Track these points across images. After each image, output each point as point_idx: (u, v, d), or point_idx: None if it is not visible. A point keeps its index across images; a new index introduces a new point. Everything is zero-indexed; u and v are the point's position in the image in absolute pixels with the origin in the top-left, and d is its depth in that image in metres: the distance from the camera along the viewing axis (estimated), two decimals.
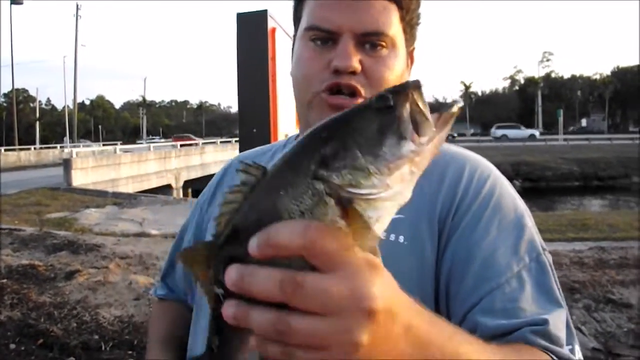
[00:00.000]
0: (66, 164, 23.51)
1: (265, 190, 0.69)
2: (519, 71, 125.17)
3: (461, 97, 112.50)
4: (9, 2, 64.27)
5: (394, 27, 1.26)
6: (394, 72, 1.27)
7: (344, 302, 0.62)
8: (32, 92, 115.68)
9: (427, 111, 0.69)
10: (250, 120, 4.67)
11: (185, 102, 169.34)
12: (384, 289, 0.64)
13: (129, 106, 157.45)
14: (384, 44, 1.25)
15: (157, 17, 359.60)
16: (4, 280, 7.54)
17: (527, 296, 1.07)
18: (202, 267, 0.72)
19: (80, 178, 23.41)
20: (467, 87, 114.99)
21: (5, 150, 48.05)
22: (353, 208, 0.66)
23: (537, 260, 1.14)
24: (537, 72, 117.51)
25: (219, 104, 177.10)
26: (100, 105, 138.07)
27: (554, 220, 12.46)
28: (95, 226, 12.76)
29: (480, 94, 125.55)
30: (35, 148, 58.01)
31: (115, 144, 49.68)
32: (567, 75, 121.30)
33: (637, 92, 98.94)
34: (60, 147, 57.41)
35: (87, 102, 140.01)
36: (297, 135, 1.46)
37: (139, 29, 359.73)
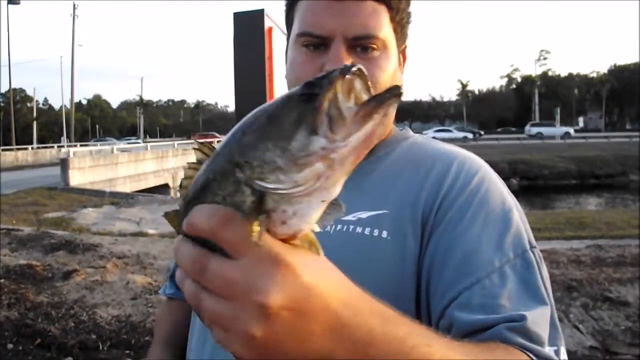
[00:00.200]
0: (63, 164, 23.47)
1: (203, 170, 0.71)
2: (516, 69, 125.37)
3: (458, 95, 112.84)
4: (6, 2, 64.27)
5: (385, 29, 1.27)
6: (387, 73, 1.28)
7: (238, 291, 0.64)
8: (30, 92, 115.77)
9: (350, 104, 0.63)
10: None
11: (183, 102, 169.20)
12: (287, 286, 0.63)
13: (126, 105, 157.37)
14: (375, 46, 1.26)
15: (154, 16, 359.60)
16: (2, 280, 7.53)
17: (508, 292, 1.04)
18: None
19: (77, 178, 23.38)
20: (464, 86, 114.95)
21: (3, 150, 47.96)
22: (265, 200, 0.64)
23: (523, 257, 1.11)
24: (534, 71, 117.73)
25: (216, 103, 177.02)
26: (97, 104, 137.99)
27: (551, 219, 12.49)
28: (93, 226, 12.75)
29: (477, 92, 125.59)
30: (32, 148, 58.01)
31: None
32: (564, 74, 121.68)
33: (634, 90, 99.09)
34: (67, 146, 57.11)
35: (84, 102, 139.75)
36: None
37: (136, 29, 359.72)
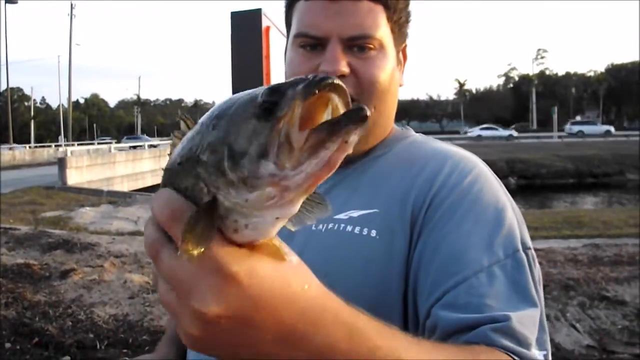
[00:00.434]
0: (61, 163, 23.45)
1: (178, 152, 0.70)
2: (513, 69, 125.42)
3: (456, 94, 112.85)
4: (3, 1, 64.17)
5: (381, 29, 1.27)
6: (385, 72, 1.29)
7: (180, 290, 0.64)
8: (27, 91, 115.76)
9: (301, 133, 0.57)
10: None
11: (180, 101, 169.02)
12: (227, 297, 0.62)
13: (123, 105, 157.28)
14: (371, 46, 1.27)
15: (151, 16, 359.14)
16: None
17: (496, 293, 1.01)
18: None
19: (75, 177, 23.36)
20: (461, 85, 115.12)
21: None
22: (218, 205, 0.62)
23: (514, 257, 1.08)
24: (532, 70, 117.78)
25: (214, 102, 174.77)
26: (94, 103, 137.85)
27: (549, 218, 12.49)
28: (90, 225, 12.73)
29: (474, 91, 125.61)
30: (30, 147, 57.95)
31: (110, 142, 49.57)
32: (561, 73, 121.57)
33: (631, 89, 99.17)
34: (64, 145, 56.93)
35: (82, 101, 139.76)
36: None
37: (134, 28, 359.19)
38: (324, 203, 0.72)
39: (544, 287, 1.15)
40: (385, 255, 1.16)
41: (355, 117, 0.57)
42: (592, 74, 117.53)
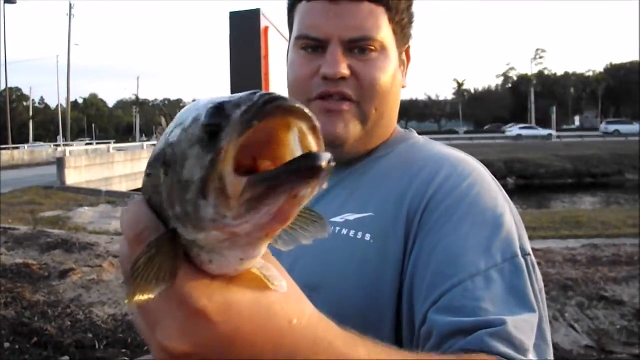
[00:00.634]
0: (59, 163, 23.40)
1: (150, 156, 0.63)
2: (512, 68, 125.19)
3: (454, 94, 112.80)
4: (3, 1, 64.12)
5: (383, 30, 1.26)
6: (386, 74, 1.28)
7: (147, 320, 0.61)
8: (26, 91, 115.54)
9: (231, 177, 0.50)
10: None
11: (179, 101, 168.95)
12: (194, 335, 0.58)
13: (122, 105, 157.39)
14: (372, 47, 1.26)
15: (150, 16, 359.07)
16: None
17: (493, 297, 0.99)
18: None
19: (73, 177, 23.31)
20: (460, 85, 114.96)
21: None
22: (179, 234, 0.56)
23: (512, 262, 1.05)
24: (530, 70, 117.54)
25: None
26: (93, 103, 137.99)
27: (547, 218, 12.49)
28: (89, 225, 12.72)
29: (473, 91, 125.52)
30: (28, 146, 57.90)
31: (109, 143, 49.57)
32: (560, 73, 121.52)
33: (630, 89, 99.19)
34: (63, 144, 56.80)
35: (81, 101, 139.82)
36: None
37: (132, 28, 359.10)
38: (321, 222, 0.67)
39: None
40: (378, 259, 1.15)
41: (302, 172, 0.48)
42: (591, 73, 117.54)
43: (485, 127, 79.43)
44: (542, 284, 1.09)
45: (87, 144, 63.02)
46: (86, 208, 15.48)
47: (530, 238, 1.17)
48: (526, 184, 34.35)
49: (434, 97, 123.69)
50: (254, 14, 4.67)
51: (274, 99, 0.50)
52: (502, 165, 34.22)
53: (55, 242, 9.95)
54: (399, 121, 1.44)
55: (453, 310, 0.98)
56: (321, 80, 1.25)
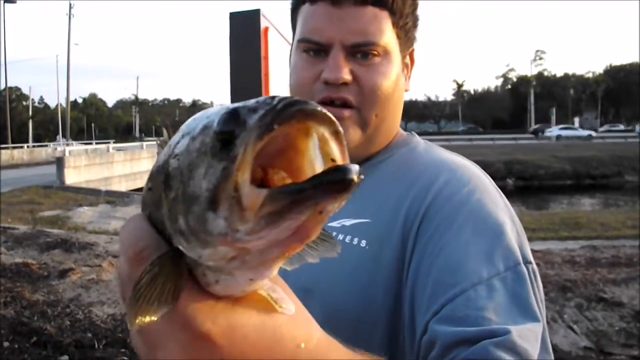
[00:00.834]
0: (59, 162, 23.44)
1: (151, 170, 0.60)
2: (512, 70, 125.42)
3: (454, 95, 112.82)
4: (2, 1, 64.05)
5: (386, 35, 1.25)
6: (388, 79, 1.26)
7: (148, 341, 0.59)
8: (25, 91, 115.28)
9: (247, 188, 0.46)
10: None
11: (178, 101, 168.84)
12: (184, 356, 0.56)
13: (121, 104, 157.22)
14: (375, 52, 1.24)
15: (150, 16, 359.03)
16: None
17: (496, 306, 0.96)
18: None
19: (73, 176, 23.34)
20: (459, 86, 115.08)
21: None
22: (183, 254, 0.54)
23: (515, 270, 1.03)
24: (530, 71, 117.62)
25: (212, 103, 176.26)
26: (92, 103, 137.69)
27: (546, 219, 12.52)
28: (89, 224, 12.73)
29: (472, 92, 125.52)
30: (28, 146, 57.90)
31: (108, 142, 49.56)
32: (559, 74, 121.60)
33: (630, 90, 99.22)
34: (62, 144, 56.66)
35: (80, 101, 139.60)
36: None
37: (132, 28, 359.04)
38: (331, 241, 0.65)
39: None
40: (372, 265, 1.15)
41: (332, 185, 0.45)
42: (590, 75, 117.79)
43: (530, 129, 77.89)
44: (542, 294, 1.07)
45: (84, 144, 62.84)
46: (85, 208, 15.50)
47: (529, 239, 1.15)
48: (525, 185, 34.30)
49: (433, 98, 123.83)
50: (254, 14, 4.67)
51: (295, 102, 0.46)
52: (502, 167, 34.21)
53: (55, 241, 9.96)
54: None
55: (456, 320, 0.96)
56: (323, 85, 1.24)
